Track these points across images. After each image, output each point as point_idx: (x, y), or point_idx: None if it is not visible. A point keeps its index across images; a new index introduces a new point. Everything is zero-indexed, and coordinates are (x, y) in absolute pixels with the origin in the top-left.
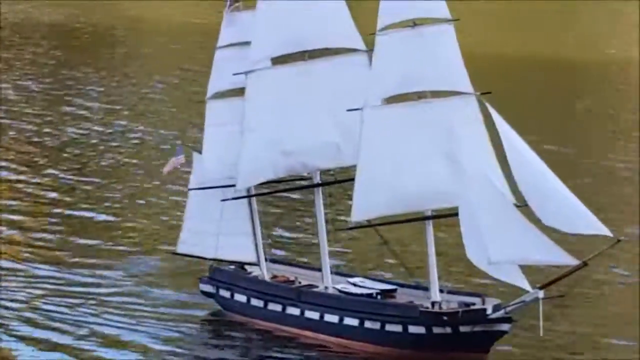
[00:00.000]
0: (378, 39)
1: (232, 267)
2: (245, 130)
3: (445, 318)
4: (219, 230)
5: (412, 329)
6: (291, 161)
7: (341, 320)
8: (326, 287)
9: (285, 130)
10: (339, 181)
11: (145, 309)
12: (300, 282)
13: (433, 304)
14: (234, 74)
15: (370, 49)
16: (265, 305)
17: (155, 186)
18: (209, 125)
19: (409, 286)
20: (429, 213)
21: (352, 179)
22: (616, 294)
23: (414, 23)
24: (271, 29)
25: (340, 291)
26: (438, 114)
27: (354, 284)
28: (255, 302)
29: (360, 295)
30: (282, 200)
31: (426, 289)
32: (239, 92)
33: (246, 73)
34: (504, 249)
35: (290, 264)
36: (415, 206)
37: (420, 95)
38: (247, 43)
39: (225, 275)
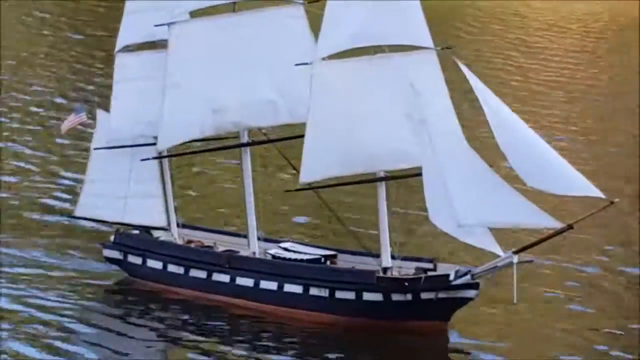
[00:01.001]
0: None
1: (136, 231)
2: (168, 86)
3: (406, 284)
4: (127, 193)
5: (368, 295)
6: (221, 119)
7: (281, 287)
8: (254, 253)
9: (214, 86)
10: (271, 140)
11: (43, 279)
12: (218, 248)
13: (385, 270)
14: (156, 25)
15: (306, 1)
16: (187, 271)
17: (51, 145)
18: (119, 80)
19: (351, 252)
20: (381, 174)
21: (285, 139)
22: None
23: None
24: None
25: (274, 256)
26: (397, 69)
27: (287, 249)
28: (173, 268)
29: (302, 260)
30: (200, 160)
31: (370, 254)
32: (151, 45)
33: (169, 24)
34: (476, 211)
35: (205, 230)
36: (369, 166)
37: (376, 50)
38: None
39: (135, 240)
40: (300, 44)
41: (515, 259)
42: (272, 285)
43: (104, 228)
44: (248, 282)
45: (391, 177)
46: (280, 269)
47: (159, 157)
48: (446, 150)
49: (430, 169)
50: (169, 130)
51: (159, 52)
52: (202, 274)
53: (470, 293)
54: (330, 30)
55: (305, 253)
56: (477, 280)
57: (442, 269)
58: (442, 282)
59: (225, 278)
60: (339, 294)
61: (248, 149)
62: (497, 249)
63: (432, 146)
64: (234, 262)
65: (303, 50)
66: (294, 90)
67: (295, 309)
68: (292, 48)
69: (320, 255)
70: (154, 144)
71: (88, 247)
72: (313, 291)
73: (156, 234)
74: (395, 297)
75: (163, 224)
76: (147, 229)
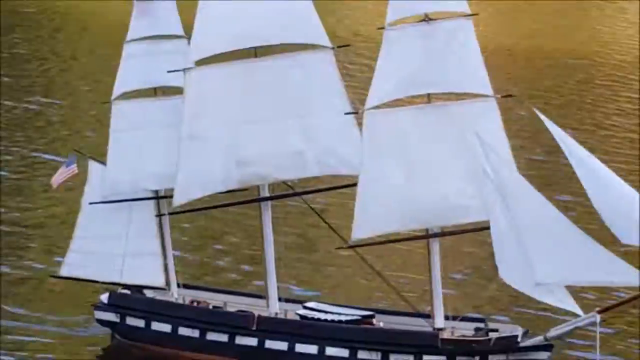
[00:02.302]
0: (387, 35)
1: (125, 291)
2: (185, 136)
3: (474, 346)
4: (125, 250)
5: (429, 359)
6: (246, 172)
7: (322, 351)
8: (276, 314)
9: (238, 137)
10: (297, 193)
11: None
12: (228, 309)
13: (439, 331)
14: (169, 72)
15: (336, 46)
16: (203, 334)
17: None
18: (116, 130)
19: (388, 312)
20: (434, 230)
21: (313, 191)
22: None
23: (428, 17)
24: (216, 21)
25: (303, 317)
26: (456, 118)
27: (315, 309)
28: (186, 331)
29: (340, 321)
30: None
31: (412, 314)
32: (150, 92)
33: (184, 70)
34: (556, 268)
35: (209, 289)
36: (425, 222)
37: (431, 98)
38: (163, 37)
39: (134, 301)
40: (329, 91)
41: (598, 318)
42: (310, 349)
43: (89, 288)
44: (280, 345)
45: (446, 233)
46: (319, 331)
47: (177, 213)
48: (517, 202)
49: (499, 223)
50: (186, 184)
51: (160, 99)
52: (222, 337)
53: (542, 355)
54: (383, 77)
55: (339, 313)
56: (550, 342)
57: (506, 329)
58: (512, 343)
59: (251, 341)
60: (395, 358)
61: (269, 202)
62: (577, 309)
63: (500, 199)
64: (262, 324)
65: (332, 98)
66: (323, 140)
67: None
68: (320, 95)
69: (359, 315)
70: (155, 197)
71: (72, 310)
72: (362, 355)
73: (148, 294)
74: None
75: (161, 283)
76: (140, 289)
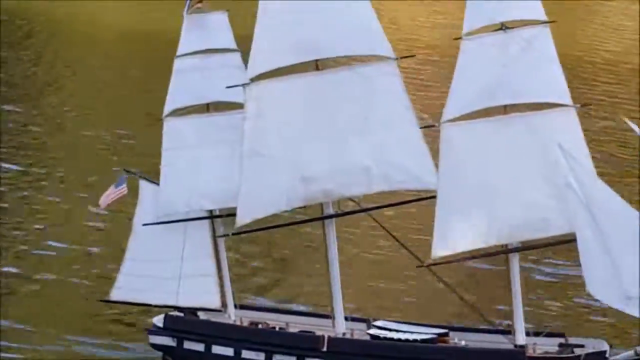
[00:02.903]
0: (464, 45)
1: (177, 313)
2: (247, 154)
3: None
4: (181, 272)
5: None
6: (311, 188)
7: None
8: (343, 334)
9: (302, 153)
10: (363, 210)
11: None
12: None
13: (521, 347)
14: (228, 87)
15: (399, 57)
16: (269, 358)
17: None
18: (169, 148)
19: (462, 329)
20: (514, 245)
21: (379, 207)
22: None
23: (505, 26)
24: (275, 34)
25: (374, 337)
26: (536, 130)
27: (386, 328)
28: (250, 354)
29: (415, 340)
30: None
31: (488, 331)
32: (203, 108)
33: (245, 85)
34: None
35: (267, 310)
36: (505, 238)
37: (508, 109)
38: (215, 50)
39: (192, 324)
40: (395, 103)
41: None
42: None
43: (132, 311)
44: None
45: (527, 247)
46: (395, 350)
47: (240, 233)
48: (604, 214)
49: (586, 235)
50: (250, 202)
51: (214, 115)
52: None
53: None
54: (460, 89)
55: (412, 332)
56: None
57: (591, 344)
58: (601, 359)
59: None
60: None
61: (333, 220)
62: None
63: (586, 211)
64: (333, 345)
65: (399, 111)
66: (390, 155)
67: None
68: (386, 108)
69: (434, 333)
70: (210, 217)
71: (119, 333)
72: None
73: (202, 316)
74: None
75: (217, 305)
76: (194, 312)
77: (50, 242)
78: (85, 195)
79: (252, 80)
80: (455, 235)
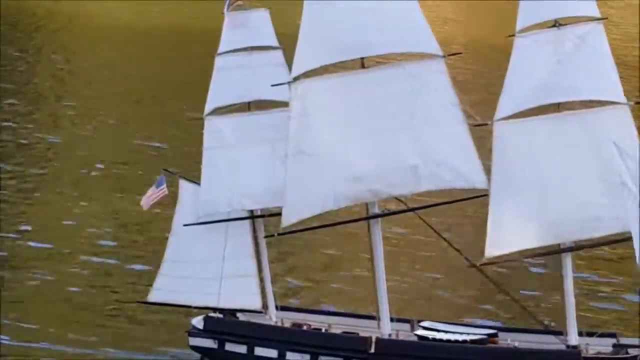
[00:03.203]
0: (518, 42)
1: (217, 315)
2: (292, 153)
3: None
4: (222, 273)
5: None
6: (358, 188)
7: None
8: (389, 335)
9: (349, 152)
10: (411, 209)
11: None
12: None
13: (575, 348)
14: (272, 85)
15: (447, 55)
16: (314, 359)
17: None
18: (210, 147)
19: (510, 329)
20: (567, 244)
21: (426, 207)
22: None
23: (558, 22)
24: (321, 31)
25: (422, 338)
26: (589, 127)
27: (433, 329)
28: (294, 356)
29: (464, 342)
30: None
31: (538, 331)
32: (245, 107)
33: (290, 83)
34: None
35: (307, 311)
36: (558, 237)
37: (561, 107)
38: (257, 48)
39: (234, 325)
40: (442, 101)
41: None
42: None
43: (169, 314)
44: None
45: (581, 247)
46: (446, 352)
47: (286, 233)
48: None
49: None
50: (296, 202)
51: (255, 114)
52: None
53: None
54: (514, 86)
55: (461, 333)
56: None
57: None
58: None
59: None
60: None
61: (379, 219)
62: None
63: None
64: (381, 347)
65: (446, 109)
66: (437, 153)
67: None
68: (434, 106)
69: (483, 334)
70: (251, 217)
71: (154, 337)
72: None
73: (242, 318)
74: None
75: (258, 306)
76: (233, 313)
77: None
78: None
79: (297, 78)
80: (508, 234)
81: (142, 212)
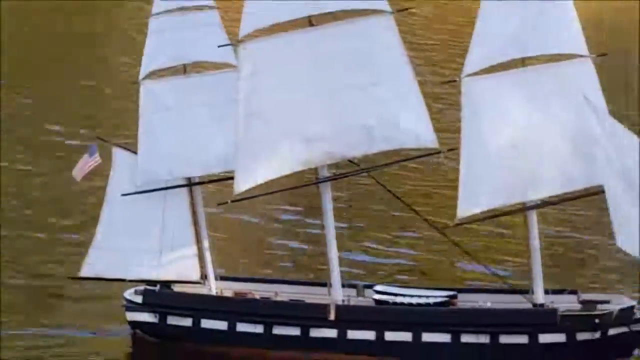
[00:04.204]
0: (484, 2)
1: (150, 287)
2: (244, 116)
3: (597, 321)
4: (161, 245)
5: (546, 337)
6: (313, 151)
7: (417, 337)
8: (343, 301)
9: (303, 113)
10: (363, 169)
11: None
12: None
13: (541, 306)
14: (220, 46)
15: (396, 10)
16: (268, 330)
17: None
18: (147, 112)
19: (472, 290)
20: (533, 202)
21: (382, 166)
22: None
23: None
24: None
25: (380, 302)
26: (556, 81)
27: (389, 293)
28: (246, 327)
29: (427, 304)
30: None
31: (499, 291)
32: (180, 70)
33: (236, 44)
34: None
35: (249, 280)
36: (530, 194)
37: (526, 62)
38: (191, 8)
39: (177, 298)
40: (394, 59)
41: None
42: (405, 337)
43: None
44: (367, 335)
45: (546, 204)
46: (413, 316)
47: (239, 200)
48: (636, 166)
49: (616, 189)
50: (249, 168)
51: (193, 76)
52: (293, 331)
53: None
54: (481, 43)
55: (420, 296)
56: None
57: (615, 300)
58: (631, 314)
59: (330, 333)
60: (505, 339)
61: (329, 184)
62: None
63: (616, 164)
64: (343, 314)
65: (397, 66)
66: (391, 114)
67: None
68: (384, 65)
69: (445, 296)
70: (189, 184)
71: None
72: (466, 339)
73: (178, 288)
74: (581, 336)
75: (197, 277)
76: (168, 285)
77: None
78: None
79: (244, 39)
80: (480, 194)
81: (75, 183)
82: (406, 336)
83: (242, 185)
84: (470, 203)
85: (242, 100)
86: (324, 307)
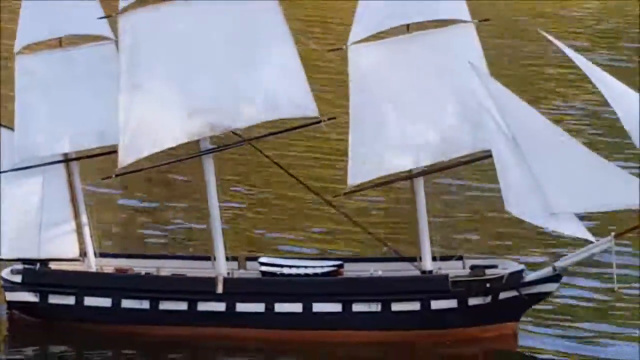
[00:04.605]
0: None
1: (29, 265)
2: (127, 89)
3: (488, 285)
4: (40, 222)
5: (438, 304)
6: (196, 123)
7: (308, 308)
8: (228, 274)
9: (185, 85)
10: (246, 140)
11: None
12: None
13: (426, 273)
14: (99, 18)
15: None
16: (154, 305)
17: None
18: (22, 88)
19: (358, 259)
20: (420, 168)
21: (264, 136)
22: None
23: None
24: None
25: (267, 273)
26: (439, 46)
27: (275, 265)
28: (131, 303)
29: (317, 274)
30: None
31: (387, 259)
32: (56, 43)
33: (117, 15)
34: (570, 194)
35: (130, 256)
36: (417, 161)
37: (410, 28)
38: None
39: (59, 276)
40: (275, 31)
41: (614, 243)
42: (294, 308)
43: None
44: (256, 307)
45: (432, 170)
46: (303, 286)
47: (123, 174)
48: (524, 129)
49: (504, 153)
50: (133, 140)
51: (69, 50)
52: (180, 306)
53: (553, 287)
54: (365, 11)
55: (306, 267)
56: (558, 272)
57: (503, 265)
58: (521, 278)
59: (218, 306)
60: (397, 307)
61: (212, 155)
62: (589, 235)
63: (503, 127)
64: (230, 286)
65: (278, 39)
66: (272, 84)
67: (330, 331)
68: (265, 34)
69: (332, 265)
70: (65, 160)
71: None
72: (358, 307)
73: (56, 266)
74: (473, 301)
75: (76, 254)
76: (45, 263)
77: None
78: None
79: (125, 10)
80: (368, 161)
81: None
82: (297, 307)
83: (126, 159)
84: (358, 174)
85: (123, 72)
86: (211, 281)
